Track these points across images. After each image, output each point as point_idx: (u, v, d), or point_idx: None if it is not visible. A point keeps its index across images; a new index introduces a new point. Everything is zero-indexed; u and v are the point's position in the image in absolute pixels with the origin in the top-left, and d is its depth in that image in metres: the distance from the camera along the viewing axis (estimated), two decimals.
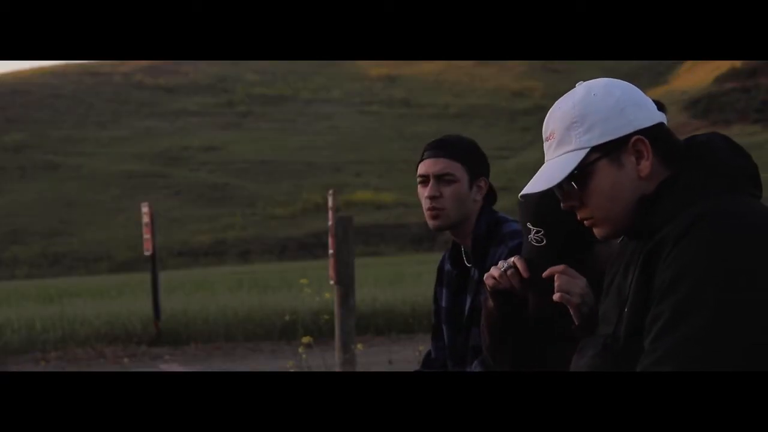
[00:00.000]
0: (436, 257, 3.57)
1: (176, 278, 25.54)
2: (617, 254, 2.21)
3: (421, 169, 3.32)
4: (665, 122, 2.13)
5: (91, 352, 13.34)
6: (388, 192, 56.66)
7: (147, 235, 13.81)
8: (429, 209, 3.30)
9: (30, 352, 13.42)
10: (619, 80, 2.15)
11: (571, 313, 2.45)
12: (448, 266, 3.46)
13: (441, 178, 3.27)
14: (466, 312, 3.33)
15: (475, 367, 3.23)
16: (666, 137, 2.10)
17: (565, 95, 2.17)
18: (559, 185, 2.12)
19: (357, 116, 78.66)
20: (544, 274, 2.50)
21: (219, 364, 11.99)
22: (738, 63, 65.29)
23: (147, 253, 13.95)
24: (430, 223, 3.33)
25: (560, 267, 2.47)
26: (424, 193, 3.30)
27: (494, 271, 2.64)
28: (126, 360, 12.63)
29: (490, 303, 2.72)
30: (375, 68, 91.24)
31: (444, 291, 3.46)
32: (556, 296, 2.44)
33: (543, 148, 2.20)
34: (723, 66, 68.52)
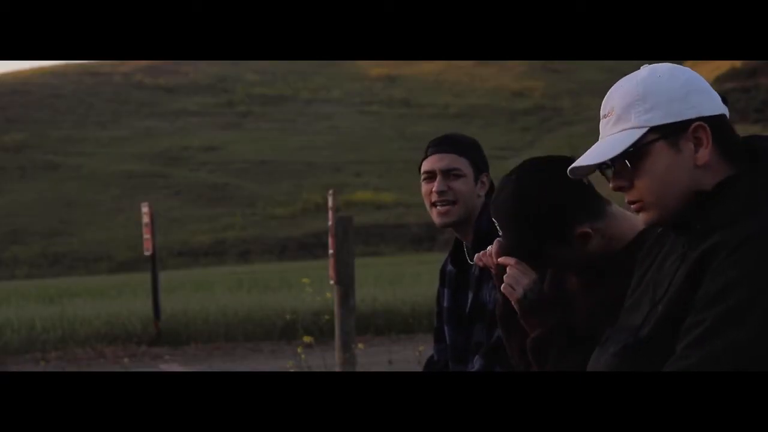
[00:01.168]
0: (436, 257, 3.58)
1: (176, 278, 25.54)
2: (652, 244, 2.16)
3: (426, 165, 3.31)
4: (727, 115, 2.07)
5: (91, 352, 13.34)
6: (388, 192, 56.65)
7: (147, 235, 13.82)
8: (435, 203, 3.29)
9: (30, 352, 13.42)
10: (685, 67, 2.09)
11: (513, 304, 2.54)
12: (449, 267, 3.46)
13: (448, 174, 3.27)
14: (468, 308, 3.33)
15: (476, 361, 3.23)
16: (728, 130, 2.04)
17: (627, 76, 2.11)
18: (611, 163, 2.07)
19: (357, 116, 78.65)
20: (499, 260, 2.57)
21: (219, 364, 11.99)
22: (738, 63, 65.29)
23: (147, 253, 13.95)
24: (438, 219, 3.30)
25: (512, 260, 2.54)
26: (430, 189, 3.29)
27: (480, 253, 2.70)
28: (126, 360, 12.63)
29: (498, 295, 2.73)
30: (375, 68, 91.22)
31: (446, 291, 3.47)
32: (502, 287, 2.54)
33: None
34: (723, 66, 68.49)
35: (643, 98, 2.05)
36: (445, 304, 3.45)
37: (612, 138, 2.08)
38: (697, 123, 2.01)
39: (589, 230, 2.45)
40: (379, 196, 56.02)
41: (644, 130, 2.04)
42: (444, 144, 3.31)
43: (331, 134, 73.69)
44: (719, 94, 2.08)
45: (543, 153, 2.54)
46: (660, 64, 2.09)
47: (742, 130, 2.15)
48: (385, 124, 76.32)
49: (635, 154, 2.04)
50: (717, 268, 1.89)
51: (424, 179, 3.32)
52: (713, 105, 2.04)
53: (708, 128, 2.01)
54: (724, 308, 1.85)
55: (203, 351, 13.39)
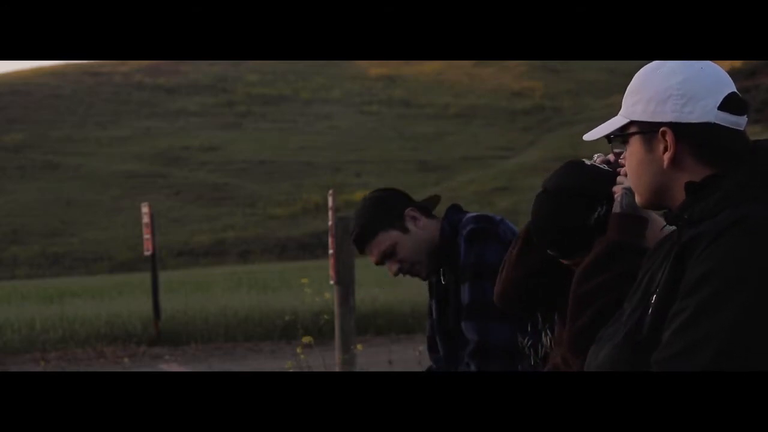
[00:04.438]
0: None
1: (176, 278, 25.53)
2: (655, 247, 2.19)
3: (371, 259, 3.45)
4: (733, 123, 2.07)
5: (91, 352, 13.34)
6: None
7: (147, 235, 13.82)
8: (405, 275, 3.43)
9: (30, 352, 13.42)
10: (706, 65, 2.11)
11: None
12: (434, 279, 3.49)
13: (386, 257, 3.37)
14: (452, 318, 3.35)
15: (467, 363, 3.25)
16: (711, 139, 2.05)
17: (658, 62, 2.16)
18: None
19: (357, 116, 78.63)
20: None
21: (219, 364, 11.99)
22: (738, 63, 65.31)
23: (147, 253, 13.95)
24: (419, 277, 3.45)
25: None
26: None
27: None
28: (126, 360, 12.63)
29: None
30: (375, 68, 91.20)
31: (434, 303, 3.49)
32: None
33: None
34: (723, 66, 68.34)
35: (636, 90, 2.14)
36: (435, 316, 3.49)
37: (608, 120, 2.20)
38: (663, 129, 2.07)
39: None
40: None
41: (626, 120, 2.14)
42: (358, 242, 3.44)
43: (331, 134, 73.67)
44: (738, 99, 2.08)
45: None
46: (677, 61, 2.12)
47: None
48: (385, 124, 76.30)
49: (622, 139, 2.16)
50: (698, 257, 1.93)
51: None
52: (698, 112, 2.05)
53: (672, 135, 2.06)
54: (705, 295, 1.88)
55: (203, 351, 13.39)
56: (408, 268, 3.36)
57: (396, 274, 3.39)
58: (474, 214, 3.33)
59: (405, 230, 3.35)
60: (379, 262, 3.40)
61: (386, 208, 3.39)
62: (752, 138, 2.14)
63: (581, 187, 2.52)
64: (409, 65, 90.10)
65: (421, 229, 3.36)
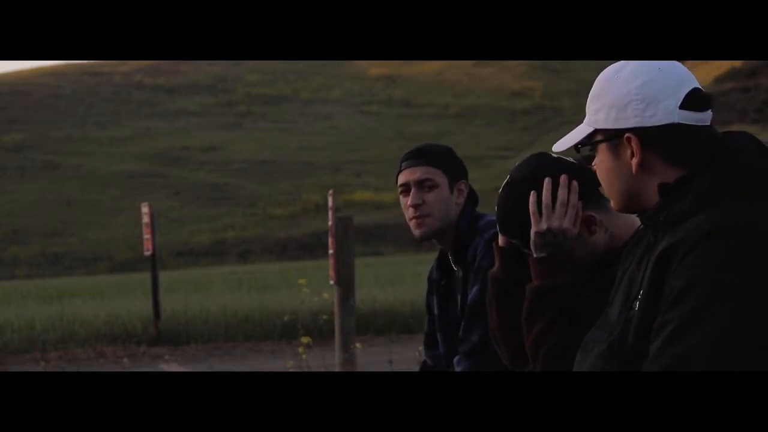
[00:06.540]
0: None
1: (176, 278, 25.55)
2: (636, 239, 2.18)
3: (401, 178, 3.36)
4: (697, 120, 2.04)
5: (91, 352, 13.34)
6: (388, 192, 56.64)
7: (147, 235, 13.82)
8: (413, 218, 3.34)
9: (30, 352, 13.42)
10: (664, 65, 2.08)
11: (532, 231, 2.43)
12: (436, 275, 3.48)
13: (422, 185, 3.31)
14: (458, 313, 3.34)
15: (458, 361, 3.24)
16: (676, 139, 2.03)
17: (613, 65, 2.14)
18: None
19: (357, 116, 78.66)
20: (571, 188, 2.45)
21: (219, 364, 11.99)
22: (738, 63, 65.31)
23: (147, 253, 13.95)
24: (416, 232, 3.36)
25: (574, 197, 2.43)
26: (406, 202, 3.34)
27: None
28: (126, 360, 12.63)
29: (496, 265, 2.67)
30: (375, 68, 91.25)
31: (435, 299, 3.49)
32: (531, 204, 2.43)
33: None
34: (723, 66, 68.52)
35: (596, 98, 2.12)
36: (436, 312, 3.48)
37: (575, 129, 2.18)
38: (627, 135, 2.05)
39: (594, 215, 2.45)
40: (379, 196, 56.01)
41: (591, 129, 2.13)
42: (416, 156, 3.35)
43: (331, 134, 73.70)
44: (700, 94, 2.05)
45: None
46: (635, 62, 2.11)
47: (742, 129, 2.15)
48: (385, 124, 76.33)
49: (590, 147, 2.14)
50: (678, 267, 1.91)
51: (401, 192, 3.38)
52: (660, 115, 2.03)
53: (637, 140, 2.04)
54: (689, 306, 1.87)
55: (203, 351, 13.39)
56: (425, 213, 3.32)
57: (411, 207, 3.34)
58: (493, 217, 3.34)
59: (451, 189, 3.35)
60: (406, 186, 3.35)
61: (457, 162, 3.39)
62: None
63: (543, 175, 2.49)
64: (409, 65, 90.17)
65: (456, 204, 3.36)
